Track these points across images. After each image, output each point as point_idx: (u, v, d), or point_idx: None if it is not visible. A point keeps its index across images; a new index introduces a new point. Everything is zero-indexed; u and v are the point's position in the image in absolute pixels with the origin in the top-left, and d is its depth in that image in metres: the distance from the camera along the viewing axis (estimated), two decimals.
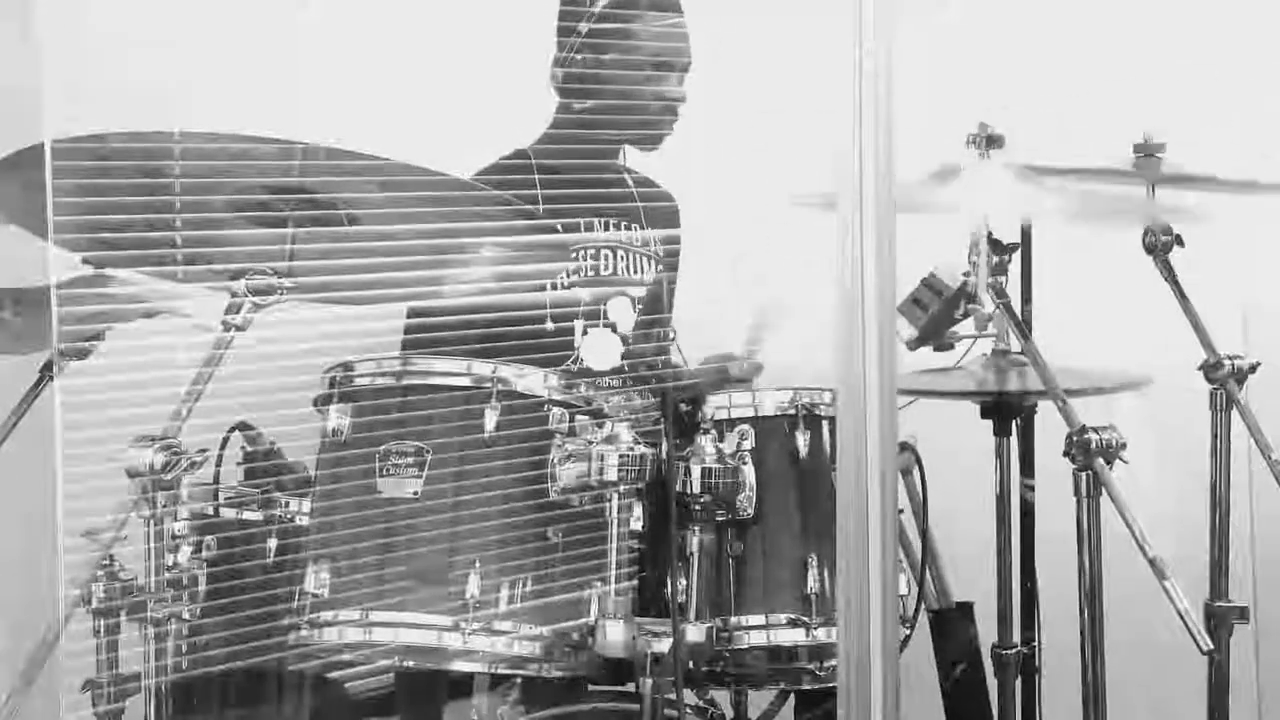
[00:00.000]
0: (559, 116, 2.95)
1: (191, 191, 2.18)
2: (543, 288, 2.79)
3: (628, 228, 2.96)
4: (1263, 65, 3.53)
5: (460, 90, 2.88)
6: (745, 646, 2.34)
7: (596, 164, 2.96)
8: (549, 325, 2.77)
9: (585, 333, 2.80)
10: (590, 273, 2.89)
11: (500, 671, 2.32)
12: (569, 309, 2.81)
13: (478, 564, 2.17)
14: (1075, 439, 2.44)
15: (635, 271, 2.96)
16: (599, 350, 2.65)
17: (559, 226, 2.83)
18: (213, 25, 2.73)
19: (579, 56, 2.86)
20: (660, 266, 2.99)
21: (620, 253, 2.95)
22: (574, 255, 2.87)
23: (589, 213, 2.91)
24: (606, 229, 2.94)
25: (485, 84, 2.88)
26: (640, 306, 2.95)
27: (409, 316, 2.75)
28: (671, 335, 2.99)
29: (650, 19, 2.88)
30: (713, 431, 2.31)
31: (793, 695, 2.67)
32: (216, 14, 2.73)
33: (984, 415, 2.94)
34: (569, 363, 2.75)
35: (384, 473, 2.21)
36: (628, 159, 3.02)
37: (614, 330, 2.81)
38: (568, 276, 2.86)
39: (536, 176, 2.88)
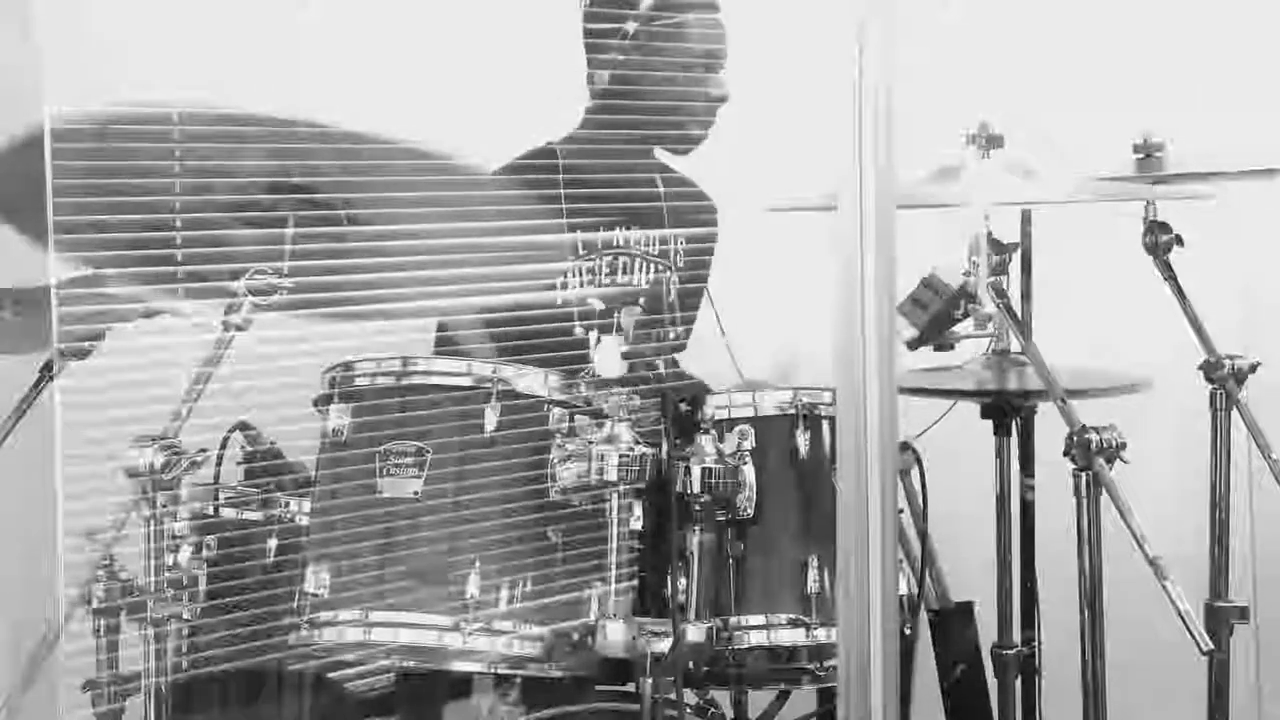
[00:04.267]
0: (592, 117, 2.92)
1: (192, 172, 2.19)
2: (558, 288, 2.79)
3: (645, 232, 2.94)
4: (1264, 63, 3.53)
5: (475, 91, 2.86)
6: (745, 646, 2.33)
7: (629, 164, 2.93)
8: (578, 331, 2.77)
9: (599, 340, 2.81)
10: (606, 278, 2.89)
11: (500, 671, 2.32)
12: (588, 314, 2.81)
13: (478, 564, 2.17)
14: (1075, 439, 2.44)
15: (644, 276, 2.94)
16: (607, 358, 2.66)
17: (565, 226, 2.82)
18: (214, 25, 2.73)
19: (624, 58, 2.84)
20: (669, 270, 2.97)
21: (637, 259, 2.93)
22: (590, 258, 2.86)
23: (613, 213, 2.89)
24: (629, 230, 2.92)
25: (502, 81, 2.86)
26: (641, 308, 2.96)
27: (439, 330, 2.75)
28: (673, 335, 2.99)
29: (693, 14, 2.86)
30: (713, 431, 2.31)
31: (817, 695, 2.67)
32: (218, 14, 2.73)
33: (984, 415, 2.94)
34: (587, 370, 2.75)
35: (384, 473, 2.21)
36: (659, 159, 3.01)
37: (625, 339, 2.82)
38: (581, 280, 2.85)
39: (562, 176, 2.86)
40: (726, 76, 2.94)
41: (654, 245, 2.94)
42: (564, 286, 2.82)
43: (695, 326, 3.03)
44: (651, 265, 2.93)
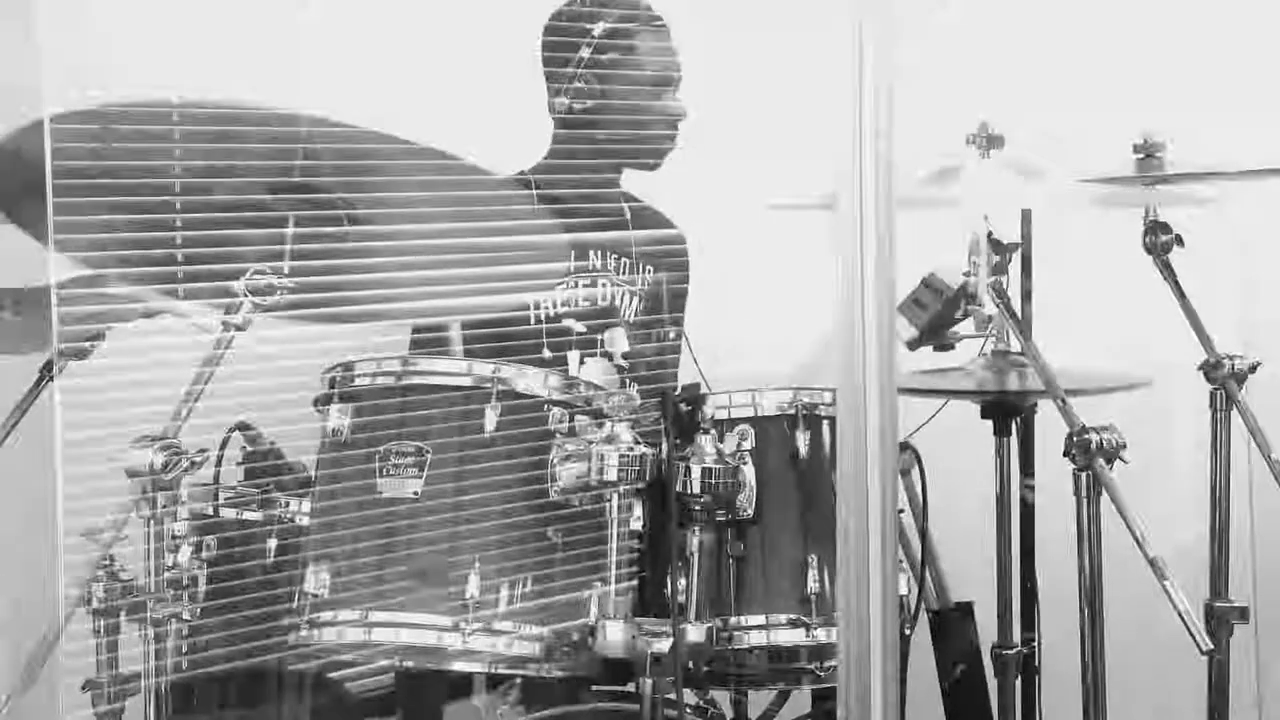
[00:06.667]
0: (558, 147, 2.95)
1: (192, 171, 2.19)
2: (538, 318, 2.81)
3: (617, 258, 2.96)
4: (1265, 64, 3.53)
5: (459, 111, 2.87)
6: (745, 646, 2.33)
7: (597, 192, 2.96)
8: (546, 354, 2.79)
9: (582, 363, 2.82)
10: (585, 301, 2.90)
11: (500, 671, 2.32)
12: (563, 339, 2.83)
13: (478, 564, 2.17)
14: (1075, 439, 2.44)
15: (620, 303, 2.95)
16: (593, 375, 2.67)
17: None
18: (214, 25, 2.73)
19: (583, 86, 2.86)
20: (643, 302, 2.98)
21: (616, 285, 2.94)
22: (570, 284, 2.88)
23: (588, 241, 2.91)
24: (602, 256, 2.94)
25: (483, 104, 2.87)
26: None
27: (414, 332, 2.76)
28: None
29: (646, 38, 2.89)
30: (713, 431, 2.31)
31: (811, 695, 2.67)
32: (218, 14, 2.73)
33: (984, 415, 2.94)
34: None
35: (384, 473, 2.21)
36: (628, 185, 3.02)
37: (610, 360, 2.83)
38: (555, 307, 2.87)
39: (537, 206, 2.87)
40: (725, 78, 2.96)
41: (626, 272, 2.96)
42: (537, 307, 2.84)
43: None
44: (627, 294, 2.94)
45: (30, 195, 2.02)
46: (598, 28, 2.86)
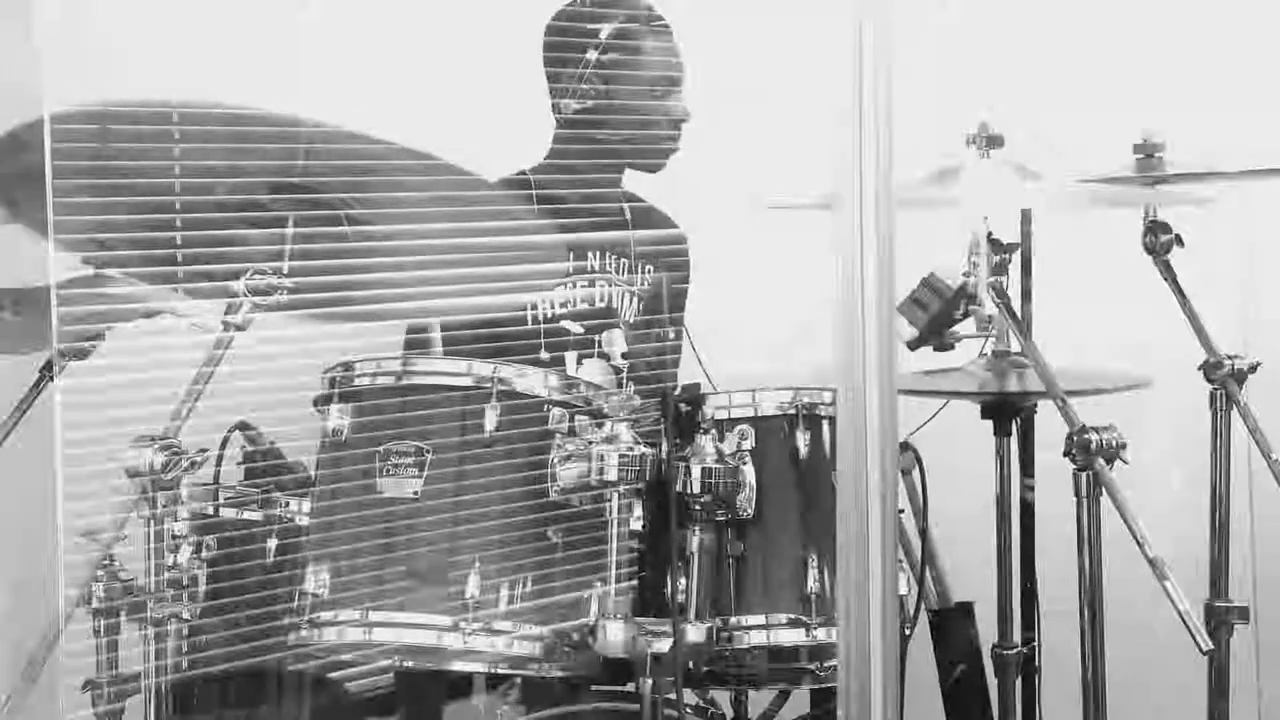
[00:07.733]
0: (559, 147, 2.95)
1: (192, 171, 2.19)
2: (535, 319, 2.82)
3: (616, 258, 2.96)
4: (1264, 63, 3.53)
5: (460, 110, 2.87)
6: (745, 646, 2.33)
7: (598, 193, 2.96)
8: (543, 355, 2.80)
9: (580, 363, 2.83)
10: (583, 302, 2.90)
11: (500, 671, 2.32)
12: (560, 340, 2.83)
13: (478, 564, 2.17)
14: (1075, 439, 2.44)
15: (618, 304, 2.96)
16: (592, 375, 2.67)
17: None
18: (214, 25, 2.73)
19: (588, 87, 2.87)
20: (641, 303, 2.98)
21: (614, 285, 2.95)
22: (567, 285, 2.88)
23: (587, 242, 2.91)
24: (601, 257, 2.94)
25: (483, 104, 2.87)
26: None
27: (408, 333, 2.76)
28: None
29: (649, 39, 2.89)
30: (713, 431, 2.31)
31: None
32: (218, 14, 2.73)
33: (984, 415, 2.94)
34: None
35: (384, 473, 2.21)
36: (629, 185, 3.02)
37: (608, 361, 2.83)
38: (554, 308, 2.87)
39: (536, 206, 2.87)
40: (725, 78, 2.97)
41: (625, 272, 2.96)
42: (534, 308, 2.84)
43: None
44: (625, 294, 2.95)
45: (29, 183, 2.02)
46: (603, 29, 2.86)
